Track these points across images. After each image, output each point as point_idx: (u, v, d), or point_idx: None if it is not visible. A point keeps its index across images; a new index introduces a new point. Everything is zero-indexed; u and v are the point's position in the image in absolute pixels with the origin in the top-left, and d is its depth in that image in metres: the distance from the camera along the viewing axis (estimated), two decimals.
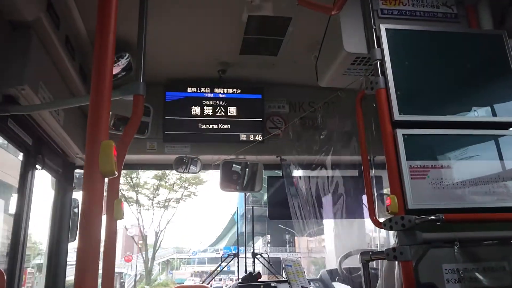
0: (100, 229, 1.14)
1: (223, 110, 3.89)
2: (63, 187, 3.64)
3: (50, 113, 2.65)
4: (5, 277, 2.03)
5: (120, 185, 1.86)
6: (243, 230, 5.60)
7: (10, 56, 2.14)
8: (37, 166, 2.89)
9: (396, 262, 1.93)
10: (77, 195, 3.84)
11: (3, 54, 2.12)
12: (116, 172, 1.18)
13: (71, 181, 3.73)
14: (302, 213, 3.79)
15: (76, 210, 3.79)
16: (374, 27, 2.25)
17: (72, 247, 3.45)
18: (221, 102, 3.91)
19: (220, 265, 4.81)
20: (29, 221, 2.74)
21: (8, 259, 2.60)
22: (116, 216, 1.65)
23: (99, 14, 1.36)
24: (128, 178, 25.87)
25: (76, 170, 3.84)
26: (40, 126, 2.77)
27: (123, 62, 3.20)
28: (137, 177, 26.73)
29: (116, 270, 3.28)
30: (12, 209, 2.71)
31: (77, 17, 2.76)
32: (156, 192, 28.74)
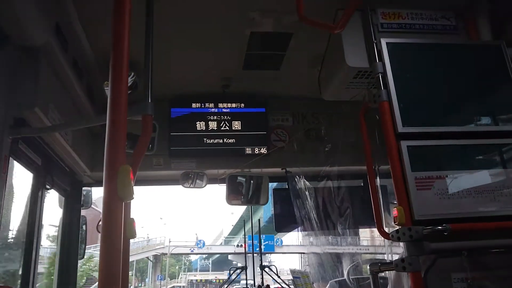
0: (120, 248, 1.17)
1: (228, 125, 3.94)
2: (71, 205, 3.67)
3: (59, 134, 2.69)
4: None
5: None
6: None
7: (20, 80, 2.20)
8: (46, 186, 2.93)
9: (405, 273, 1.94)
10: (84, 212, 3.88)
11: (14, 78, 2.17)
12: (133, 196, 1.22)
13: (79, 199, 3.76)
14: (309, 224, 3.80)
15: (84, 227, 3.82)
16: (375, 41, 2.30)
17: None
18: (225, 116, 3.95)
19: (229, 277, 4.80)
20: (41, 239, 2.78)
21: (21, 277, 2.63)
22: (129, 235, 1.68)
23: (113, 42, 1.40)
24: None
25: (83, 188, 3.87)
26: (49, 147, 2.82)
27: (129, 81, 3.25)
28: None
29: None
30: None
31: (84, 40, 2.82)
32: None
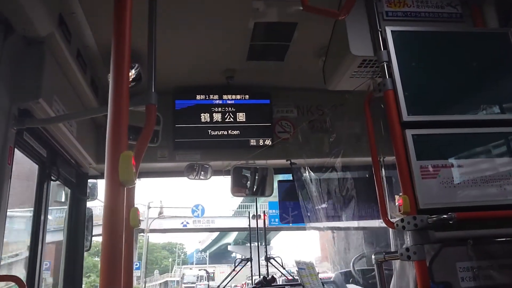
0: (122, 235, 1.18)
1: (232, 116, 3.93)
2: (77, 197, 3.69)
3: (63, 125, 2.71)
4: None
5: None
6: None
7: (25, 71, 2.21)
8: (52, 177, 2.95)
9: (410, 262, 1.94)
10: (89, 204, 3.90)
11: (18, 70, 2.18)
12: (135, 181, 1.22)
13: (84, 191, 3.79)
14: (314, 215, 3.81)
15: (90, 219, 3.85)
16: (380, 29, 2.28)
17: None
18: (230, 108, 3.95)
19: (234, 269, 4.83)
20: (46, 230, 2.80)
21: (27, 268, 2.66)
22: (133, 224, 1.69)
23: (115, 31, 1.40)
24: None
25: (89, 180, 3.90)
26: (54, 138, 2.83)
27: (132, 73, 3.26)
28: None
29: None
30: None
31: (87, 31, 2.82)
32: None
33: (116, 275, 1.13)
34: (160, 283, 45.03)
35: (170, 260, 54.32)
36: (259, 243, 4.87)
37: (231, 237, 43.91)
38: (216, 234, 47.49)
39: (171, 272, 49.70)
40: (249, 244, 5.35)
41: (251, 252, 4.70)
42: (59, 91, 2.54)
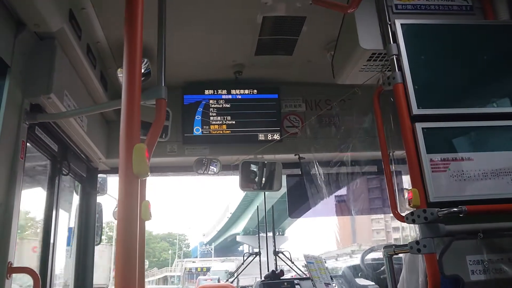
0: (137, 228, 1.19)
1: (240, 111, 3.93)
2: (87, 191, 3.73)
3: (74, 120, 2.73)
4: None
5: None
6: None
7: (36, 67, 2.23)
8: (63, 172, 2.98)
9: (420, 255, 1.94)
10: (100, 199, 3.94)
11: (30, 65, 2.21)
12: (149, 173, 1.24)
13: (95, 185, 3.83)
14: (323, 209, 3.81)
15: (100, 213, 3.90)
16: (389, 22, 2.26)
17: None
18: (238, 103, 3.95)
19: (243, 263, 4.86)
20: (58, 224, 2.84)
21: (40, 261, 2.70)
22: (144, 217, 1.71)
23: (126, 26, 1.41)
24: None
25: (98, 175, 3.93)
26: (65, 133, 2.86)
27: (142, 68, 3.28)
28: None
29: None
30: None
31: (97, 27, 2.84)
32: None
33: (132, 267, 1.14)
34: (159, 278, 40.26)
35: (170, 252, 51.22)
36: (267, 233, 4.86)
37: (240, 226, 42.10)
38: (221, 225, 44.90)
39: (171, 266, 45.78)
40: (262, 234, 5.31)
41: (259, 246, 4.71)
42: (70, 86, 2.57)
